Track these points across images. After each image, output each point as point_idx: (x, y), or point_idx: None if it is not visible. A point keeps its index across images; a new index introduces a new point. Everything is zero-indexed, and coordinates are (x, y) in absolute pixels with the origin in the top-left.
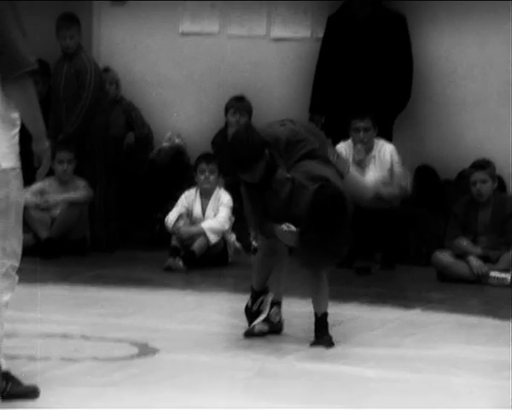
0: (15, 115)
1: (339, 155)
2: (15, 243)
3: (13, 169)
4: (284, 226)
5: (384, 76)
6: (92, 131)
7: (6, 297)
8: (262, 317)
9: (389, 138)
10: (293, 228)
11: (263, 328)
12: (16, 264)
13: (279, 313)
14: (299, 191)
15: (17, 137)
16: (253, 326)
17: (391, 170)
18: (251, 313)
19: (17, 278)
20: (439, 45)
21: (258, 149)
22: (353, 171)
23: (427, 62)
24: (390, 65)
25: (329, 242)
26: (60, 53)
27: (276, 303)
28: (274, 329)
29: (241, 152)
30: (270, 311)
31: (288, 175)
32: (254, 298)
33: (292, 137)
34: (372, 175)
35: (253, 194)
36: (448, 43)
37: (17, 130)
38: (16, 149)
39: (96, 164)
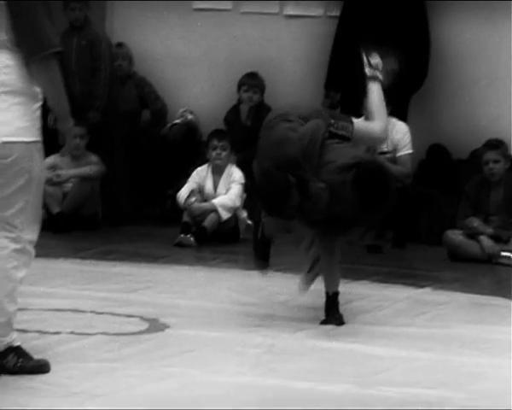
0: (38, 90)
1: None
2: (34, 217)
3: (36, 143)
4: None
5: (401, 54)
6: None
7: (21, 274)
8: None
9: (404, 117)
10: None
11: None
12: (34, 238)
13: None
14: (338, 191)
15: (39, 111)
16: None
17: (395, 150)
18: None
19: (34, 253)
20: (453, 25)
21: (284, 188)
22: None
23: (440, 42)
24: (407, 43)
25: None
26: (64, 27)
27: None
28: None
29: (270, 202)
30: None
31: (322, 185)
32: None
33: (305, 146)
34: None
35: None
36: (462, 23)
37: (39, 104)
38: (38, 122)
39: (109, 139)
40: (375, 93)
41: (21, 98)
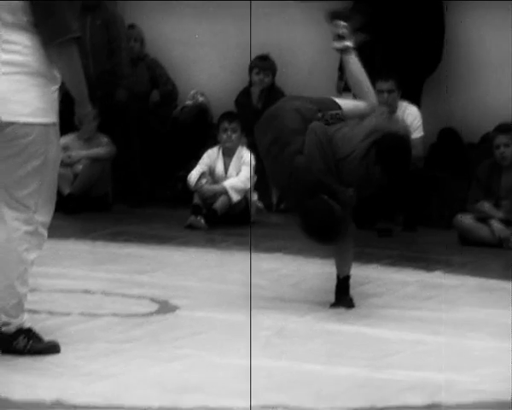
0: (56, 71)
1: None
2: (49, 199)
3: (53, 125)
4: None
5: (415, 38)
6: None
7: (33, 256)
8: None
9: (417, 101)
10: None
11: None
12: (47, 220)
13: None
14: (364, 176)
15: (57, 93)
16: None
17: None
18: None
19: (46, 235)
20: (467, 9)
21: (342, 216)
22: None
23: (452, 26)
24: (422, 27)
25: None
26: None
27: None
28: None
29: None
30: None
31: (350, 192)
32: None
33: (317, 160)
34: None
35: None
36: (475, 8)
37: (57, 86)
38: (56, 105)
39: (121, 120)
40: (350, 64)
41: (40, 79)
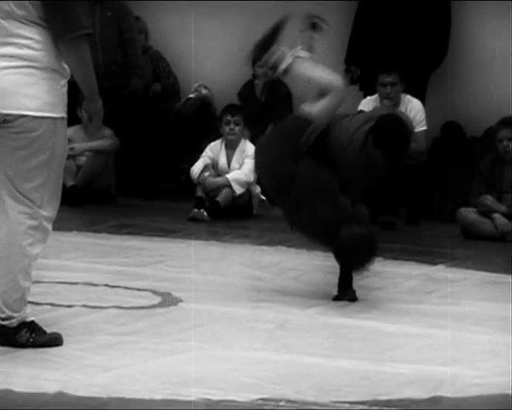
0: (66, 66)
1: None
2: (54, 193)
3: (62, 119)
4: None
5: (422, 32)
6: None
7: (37, 250)
8: None
9: (422, 95)
10: None
11: None
12: (52, 215)
13: None
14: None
15: (66, 87)
16: None
17: None
18: None
19: (50, 229)
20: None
21: (373, 236)
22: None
23: (456, 19)
24: (428, 21)
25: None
26: None
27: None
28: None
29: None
30: None
31: (364, 210)
32: None
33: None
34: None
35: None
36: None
37: (66, 80)
38: (64, 98)
39: (124, 113)
40: (301, 70)
41: (50, 74)
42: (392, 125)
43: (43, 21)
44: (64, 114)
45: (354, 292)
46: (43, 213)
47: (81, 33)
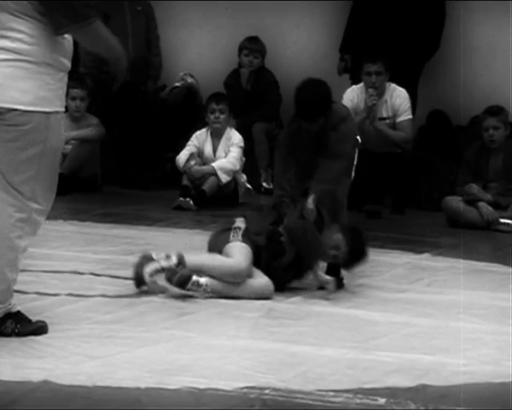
0: (63, 60)
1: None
2: (48, 186)
3: (55, 113)
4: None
5: (416, 23)
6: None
7: (25, 243)
8: None
9: (415, 85)
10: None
11: None
12: (45, 208)
13: None
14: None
15: (65, 80)
16: None
17: (395, 116)
18: None
19: (41, 222)
20: None
21: (327, 101)
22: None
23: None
24: (422, 13)
25: None
26: None
27: None
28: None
29: (311, 98)
30: None
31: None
32: None
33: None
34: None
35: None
36: None
37: (64, 73)
38: (61, 92)
39: (110, 102)
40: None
41: (43, 68)
42: (302, 86)
43: (38, 15)
44: (59, 108)
45: (341, 280)
46: (34, 205)
47: (81, 25)
